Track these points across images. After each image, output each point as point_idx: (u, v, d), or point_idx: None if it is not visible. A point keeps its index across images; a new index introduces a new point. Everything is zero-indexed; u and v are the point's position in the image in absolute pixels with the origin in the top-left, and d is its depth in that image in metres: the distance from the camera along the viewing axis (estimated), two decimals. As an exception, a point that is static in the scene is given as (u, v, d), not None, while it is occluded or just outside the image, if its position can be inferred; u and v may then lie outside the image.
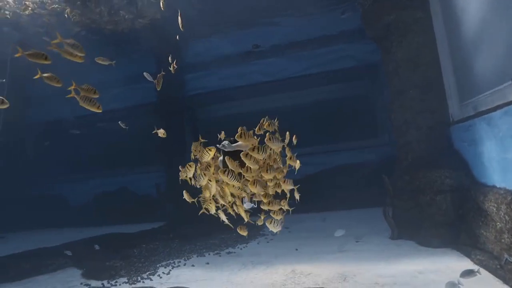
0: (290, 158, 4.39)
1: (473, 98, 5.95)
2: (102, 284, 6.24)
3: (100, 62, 5.32)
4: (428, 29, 6.97)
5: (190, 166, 3.87)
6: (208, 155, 3.77)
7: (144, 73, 6.67)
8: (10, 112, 13.50)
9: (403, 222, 7.02)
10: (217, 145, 3.88)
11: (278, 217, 3.94)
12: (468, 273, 3.97)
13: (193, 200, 4.28)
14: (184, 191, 4.28)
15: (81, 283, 6.41)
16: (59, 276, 7.12)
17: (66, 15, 8.67)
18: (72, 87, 3.60)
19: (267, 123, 4.09)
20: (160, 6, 7.32)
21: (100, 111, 3.69)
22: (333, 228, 8.75)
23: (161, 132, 5.45)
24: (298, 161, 4.50)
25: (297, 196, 4.42)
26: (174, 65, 5.81)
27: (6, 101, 3.52)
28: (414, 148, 7.05)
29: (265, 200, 3.97)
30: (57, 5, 8.23)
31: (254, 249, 7.76)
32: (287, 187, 4.15)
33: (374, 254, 6.28)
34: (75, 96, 3.67)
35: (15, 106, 14.25)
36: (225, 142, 3.74)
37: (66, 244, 8.99)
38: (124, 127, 6.76)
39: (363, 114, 12.09)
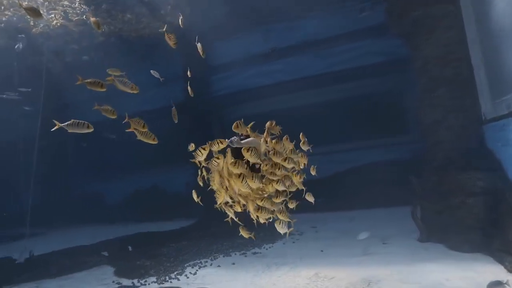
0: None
1: (507, 96, 5.64)
2: (133, 283, 6.54)
3: (111, 73, 5.43)
4: (458, 23, 6.65)
5: (203, 149, 3.48)
6: (217, 146, 3.37)
7: (151, 71, 6.81)
8: (50, 117, 14.48)
9: (432, 224, 6.80)
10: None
11: (285, 217, 3.69)
12: (496, 284, 3.80)
13: (198, 200, 4.10)
14: (193, 191, 4.14)
15: (113, 281, 6.75)
16: (94, 273, 7.54)
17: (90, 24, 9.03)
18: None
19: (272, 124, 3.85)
20: (183, 12, 7.49)
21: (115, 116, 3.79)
22: (360, 229, 8.63)
23: (174, 111, 5.29)
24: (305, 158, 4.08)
25: (310, 198, 4.07)
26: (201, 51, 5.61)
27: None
28: (444, 148, 6.78)
29: (277, 200, 3.70)
30: (80, 16, 8.60)
31: (279, 250, 7.80)
32: (297, 180, 3.86)
33: (400, 258, 6.14)
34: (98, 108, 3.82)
35: (53, 110, 15.21)
36: (234, 138, 3.42)
37: (102, 242, 9.49)
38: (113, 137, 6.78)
39: (393, 110, 11.71)
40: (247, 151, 3.25)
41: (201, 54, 5.34)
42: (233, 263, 7.13)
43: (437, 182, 6.73)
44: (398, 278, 5.24)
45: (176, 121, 5.37)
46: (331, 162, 12.22)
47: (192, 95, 5.87)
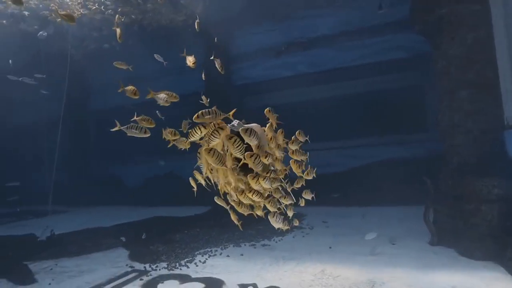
0: (293, 152, 3.82)
1: (532, 102, 5.44)
2: (144, 267, 6.80)
3: (118, 66, 5.55)
4: (485, 23, 6.38)
5: (198, 129, 3.14)
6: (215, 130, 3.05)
7: (155, 55, 6.86)
8: (74, 101, 15.09)
9: (444, 228, 6.71)
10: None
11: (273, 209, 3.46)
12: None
13: (194, 188, 3.83)
14: (190, 178, 3.86)
15: (127, 265, 7.03)
16: (110, 255, 7.87)
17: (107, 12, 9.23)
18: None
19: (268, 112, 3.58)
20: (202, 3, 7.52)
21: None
22: (371, 227, 8.65)
23: (205, 99, 5.30)
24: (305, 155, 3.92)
25: (308, 196, 4.08)
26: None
27: (148, 131, 3.48)
28: (461, 152, 6.62)
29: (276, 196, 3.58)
30: (97, 6, 8.76)
31: (288, 243, 7.89)
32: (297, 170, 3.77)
33: (408, 260, 6.11)
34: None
35: (78, 95, 15.65)
36: (235, 122, 3.19)
37: (119, 225, 9.84)
38: (160, 116, 7.06)
39: (413, 107, 11.45)
40: (246, 132, 3.01)
41: (220, 70, 5.35)
42: (242, 254, 7.28)
43: (452, 185, 6.61)
44: (403, 282, 5.24)
45: (222, 72, 5.24)
46: (346, 157, 12.16)
47: (222, 72, 5.65)
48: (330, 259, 6.57)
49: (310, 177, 4.11)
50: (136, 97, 4.02)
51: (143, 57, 10.57)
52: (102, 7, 9.15)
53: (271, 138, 3.59)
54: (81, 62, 10.49)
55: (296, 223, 4.18)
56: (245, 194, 3.30)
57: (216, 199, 3.72)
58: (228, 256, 7.25)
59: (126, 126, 3.35)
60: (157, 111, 7.48)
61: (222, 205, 3.70)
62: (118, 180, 16.35)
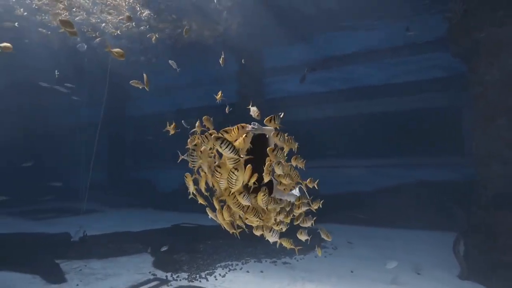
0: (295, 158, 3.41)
1: None
2: (166, 276, 6.99)
3: (134, 85, 5.76)
4: (528, 49, 6.06)
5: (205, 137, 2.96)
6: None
7: (170, 61, 7.00)
8: (112, 107, 15.94)
9: (474, 262, 6.37)
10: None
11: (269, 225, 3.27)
12: None
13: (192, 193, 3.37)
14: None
15: (150, 272, 7.25)
16: (135, 260, 8.15)
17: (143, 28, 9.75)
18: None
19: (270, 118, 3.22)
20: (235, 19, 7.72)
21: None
22: (398, 252, 8.38)
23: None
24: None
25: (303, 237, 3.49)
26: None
27: None
28: (496, 183, 6.28)
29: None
30: (134, 24, 9.22)
31: (309, 263, 7.80)
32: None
33: (432, 294, 5.87)
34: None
35: (116, 102, 16.46)
36: (254, 124, 3.06)
37: (146, 231, 10.16)
38: (186, 126, 7.25)
39: (449, 128, 10.99)
40: (277, 136, 2.95)
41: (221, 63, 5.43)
42: (262, 271, 7.29)
43: (485, 218, 6.27)
44: (424, 317, 5.04)
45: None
46: (377, 176, 11.86)
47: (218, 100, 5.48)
48: (349, 285, 6.43)
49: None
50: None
51: (181, 67, 11.01)
52: (138, 23, 9.68)
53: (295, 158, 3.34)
54: (120, 72, 11.01)
55: (328, 237, 4.01)
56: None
57: (208, 211, 3.32)
58: (248, 271, 7.29)
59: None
60: (182, 121, 7.71)
61: (211, 216, 3.31)
62: (150, 184, 16.92)
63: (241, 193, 2.87)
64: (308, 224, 3.35)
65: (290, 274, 7.11)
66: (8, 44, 4.67)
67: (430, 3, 9.68)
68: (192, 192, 3.23)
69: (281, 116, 3.18)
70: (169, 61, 7.02)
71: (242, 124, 2.98)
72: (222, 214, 3.12)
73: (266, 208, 3.15)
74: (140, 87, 5.92)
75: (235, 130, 2.98)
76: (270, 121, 3.09)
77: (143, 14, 9.91)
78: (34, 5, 9.88)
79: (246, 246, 9.13)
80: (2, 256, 7.90)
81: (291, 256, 8.30)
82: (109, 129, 16.71)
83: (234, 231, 3.29)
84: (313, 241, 9.21)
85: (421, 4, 9.80)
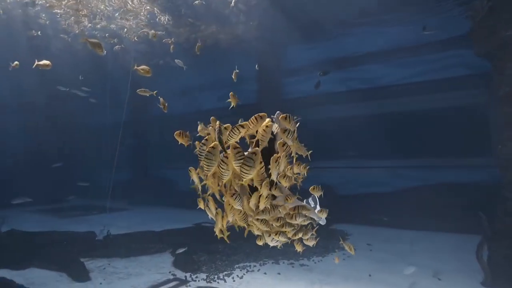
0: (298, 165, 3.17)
1: None
2: (185, 276, 7.15)
3: (141, 94, 5.89)
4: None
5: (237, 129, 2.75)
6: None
7: (176, 60, 7.05)
8: (136, 108, 16.43)
9: (499, 269, 6.17)
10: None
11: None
12: None
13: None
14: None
15: (169, 272, 7.45)
16: (155, 260, 8.39)
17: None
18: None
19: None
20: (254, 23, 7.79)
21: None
22: (419, 255, 8.22)
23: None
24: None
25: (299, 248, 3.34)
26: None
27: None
28: (522, 188, 6.04)
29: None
30: (153, 30, 9.46)
31: (327, 265, 7.77)
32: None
33: (453, 301, 5.74)
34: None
35: (139, 103, 16.91)
36: (279, 113, 2.96)
37: (167, 230, 10.39)
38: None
39: (475, 127, 10.60)
40: (286, 119, 2.75)
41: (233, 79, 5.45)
42: (279, 273, 7.34)
43: (509, 225, 6.06)
44: (443, 325, 4.95)
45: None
46: (398, 177, 11.65)
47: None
48: (367, 288, 6.38)
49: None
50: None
51: (200, 69, 11.17)
52: (157, 27, 9.93)
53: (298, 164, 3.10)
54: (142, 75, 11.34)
55: (351, 251, 3.96)
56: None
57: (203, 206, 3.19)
58: (265, 273, 7.35)
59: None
60: (198, 122, 7.84)
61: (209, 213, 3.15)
62: (172, 183, 17.28)
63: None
64: (312, 243, 3.22)
65: (307, 276, 7.12)
66: (47, 62, 4.90)
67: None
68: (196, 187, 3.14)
69: (296, 119, 2.93)
70: (175, 60, 7.15)
71: (260, 114, 2.74)
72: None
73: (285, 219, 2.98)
74: (148, 95, 6.10)
75: (253, 121, 2.77)
76: (286, 119, 2.85)
77: (162, 19, 10.17)
78: (58, 15, 10.36)
79: (264, 247, 9.14)
80: (32, 253, 8.31)
81: (309, 258, 8.31)
82: (133, 130, 17.22)
83: (223, 235, 3.14)
84: (332, 243, 9.15)
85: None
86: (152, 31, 8.59)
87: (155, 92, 5.93)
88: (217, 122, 2.87)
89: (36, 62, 4.79)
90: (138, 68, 4.52)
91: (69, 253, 8.48)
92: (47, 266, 7.79)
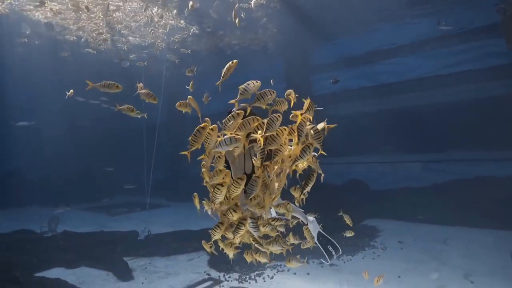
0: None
1: None
2: (219, 276, 7.61)
3: (146, 100, 6.00)
4: None
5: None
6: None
7: (192, 66, 7.27)
8: (173, 111, 17.14)
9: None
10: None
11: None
12: None
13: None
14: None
15: (205, 271, 7.93)
16: (193, 259, 8.93)
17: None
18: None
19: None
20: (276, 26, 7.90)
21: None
22: (452, 254, 8.11)
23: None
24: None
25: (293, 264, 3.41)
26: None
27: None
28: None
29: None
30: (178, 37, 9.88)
31: (356, 265, 7.89)
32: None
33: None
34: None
35: (171, 106, 17.65)
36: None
37: (205, 229, 10.88)
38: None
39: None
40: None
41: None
42: (308, 273, 7.58)
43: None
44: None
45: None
46: (432, 171, 11.40)
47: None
48: (395, 291, 6.46)
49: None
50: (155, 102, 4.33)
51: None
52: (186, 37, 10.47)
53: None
54: (174, 81, 11.90)
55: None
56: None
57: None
58: (295, 273, 7.62)
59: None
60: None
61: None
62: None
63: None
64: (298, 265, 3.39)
65: (336, 276, 7.31)
66: (141, 85, 5.08)
67: None
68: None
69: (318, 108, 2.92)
70: (192, 67, 7.41)
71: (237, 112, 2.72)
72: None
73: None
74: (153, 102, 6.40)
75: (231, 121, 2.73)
76: (308, 107, 2.80)
77: (191, 30, 10.62)
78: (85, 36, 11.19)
79: (296, 246, 9.43)
80: (82, 253, 9.14)
81: (339, 257, 8.44)
82: (172, 130, 18.08)
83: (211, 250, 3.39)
84: (362, 240, 9.22)
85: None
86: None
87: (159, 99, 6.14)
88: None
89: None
90: (141, 92, 4.60)
91: (114, 253, 9.23)
92: (95, 265, 8.53)
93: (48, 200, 15.83)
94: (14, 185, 17.85)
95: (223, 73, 2.94)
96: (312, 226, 3.64)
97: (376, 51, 12.01)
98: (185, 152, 3.04)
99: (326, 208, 10.95)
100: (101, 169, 16.70)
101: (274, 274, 7.64)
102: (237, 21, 6.11)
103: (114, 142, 20.13)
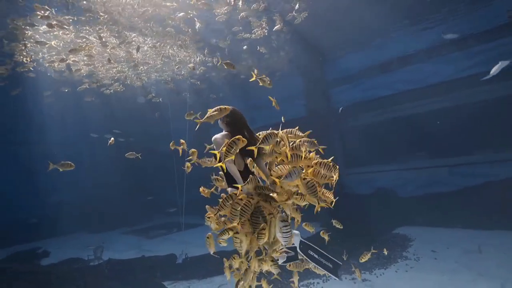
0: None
1: None
2: (255, 297, 7.89)
3: (188, 118, 6.36)
4: None
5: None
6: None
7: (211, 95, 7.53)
8: (198, 134, 17.88)
9: None
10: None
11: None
12: None
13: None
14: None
15: None
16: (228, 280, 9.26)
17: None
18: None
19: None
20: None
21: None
22: (486, 263, 7.96)
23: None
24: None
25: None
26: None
27: None
28: None
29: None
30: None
31: (389, 279, 7.91)
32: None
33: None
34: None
35: (200, 129, 18.39)
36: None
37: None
38: None
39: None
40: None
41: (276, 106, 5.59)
42: (341, 291, 7.72)
43: None
44: None
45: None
46: (458, 175, 11.21)
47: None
48: (429, 307, 6.48)
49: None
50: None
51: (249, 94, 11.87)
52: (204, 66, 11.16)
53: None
54: (196, 107, 12.66)
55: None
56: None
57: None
58: (328, 291, 7.78)
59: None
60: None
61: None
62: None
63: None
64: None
65: (368, 293, 7.40)
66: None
67: None
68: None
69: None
70: (191, 111, 7.82)
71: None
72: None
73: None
74: (192, 118, 6.82)
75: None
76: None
77: (209, 60, 11.29)
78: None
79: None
80: (126, 280, 9.74)
81: (371, 271, 8.51)
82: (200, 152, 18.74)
83: None
84: (394, 251, 9.19)
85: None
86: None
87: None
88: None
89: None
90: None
91: (155, 278, 9.77)
92: (140, 290, 9.10)
93: (94, 227, 16.99)
94: (63, 213, 19.13)
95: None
96: (296, 238, 3.80)
97: (391, 60, 12.00)
98: (219, 164, 3.08)
99: (354, 216, 11.03)
100: (142, 197, 17.65)
101: (308, 293, 7.83)
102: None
103: (151, 169, 21.06)
